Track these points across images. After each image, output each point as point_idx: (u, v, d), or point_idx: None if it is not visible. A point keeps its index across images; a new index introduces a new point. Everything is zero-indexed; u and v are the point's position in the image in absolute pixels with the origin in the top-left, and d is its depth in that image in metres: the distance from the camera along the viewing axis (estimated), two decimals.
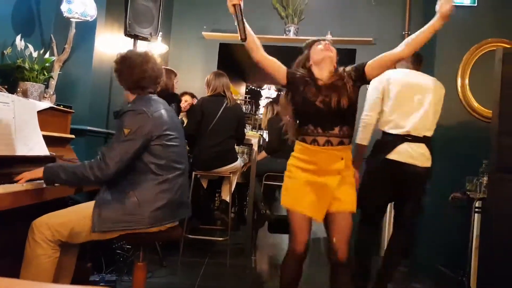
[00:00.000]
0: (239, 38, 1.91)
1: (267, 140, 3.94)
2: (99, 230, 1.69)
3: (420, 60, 2.75)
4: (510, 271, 2.39)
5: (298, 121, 2.03)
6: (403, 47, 1.90)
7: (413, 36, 1.90)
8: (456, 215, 3.24)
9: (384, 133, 2.53)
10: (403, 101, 2.48)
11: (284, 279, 2.00)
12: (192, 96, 4.02)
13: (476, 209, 2.89)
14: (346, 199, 1.94)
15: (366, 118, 2.54)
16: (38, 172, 1.69)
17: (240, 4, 1.88)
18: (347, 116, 1.94)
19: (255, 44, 1.96)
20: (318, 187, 1.90)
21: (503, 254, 2.44)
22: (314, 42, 2.09)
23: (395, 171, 2.43)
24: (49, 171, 1.70)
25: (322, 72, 2.00)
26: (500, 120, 2.53)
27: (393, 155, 2.42)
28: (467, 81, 3.88)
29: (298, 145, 1.99)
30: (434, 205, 3.65)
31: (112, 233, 1.74)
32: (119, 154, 1.69)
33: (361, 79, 1.97)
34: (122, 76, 1.89)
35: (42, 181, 1.73)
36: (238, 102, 5.39)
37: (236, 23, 1.89)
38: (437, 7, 1.85)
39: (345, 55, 4.72)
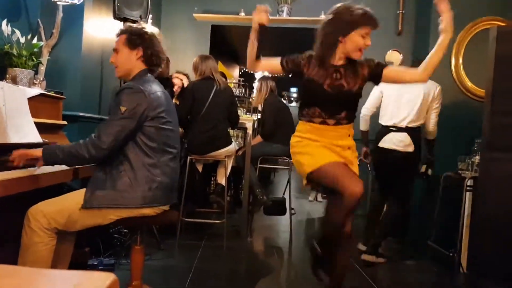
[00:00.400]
0: (255, 57, 1.96)
1: (262, 123, 3.86)
2: (89, 206, 1.70)
3: None
4: (500, 248, 2.45)
5: (302, 103, 2.03)
6: (420, 74, 1.92)
7: (426, 60, 1.92)
8: (449, 193, 3.28)
9: (380, 125, 3.12)
10: (395, 99, 3.06)
11: (332, 227, 1.90)
12: (187, 76, 3.99)
13: (468, 188, 2.93)
14: (356, 171, 1.95)
15: (364, 111, 3.20)
16: (37, 151, 1.68)
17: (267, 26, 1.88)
18: (354, 102, 1.99)
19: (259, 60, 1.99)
20: (334, 150, 1.92)
21: (493, 232, 2.49)
22: (361, 22, 1.86)
23: (383, 156, 3.05)
24: (47, 151, 1.69)
25: (342, 56, 1.95)
26: (492, 99, 2.54)
27: (381, 143, 3.05)
28: (461, 60, 3.88)
29: (304, 125, 1.99)
30: (428, 184, 3.70)
31: (101, 211, 1.72)
32: (115, 131, 1.69)
33: (375, 79, 1.99)
34: (150, 49, 1.89)
35: (36, 167, 1.72)
36: (232, 85, 5.36)
37: (254, 41, 1.92)
38: (440, 27, 1.90)
39: None
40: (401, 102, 3.03)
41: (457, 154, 3.29)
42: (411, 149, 2.96)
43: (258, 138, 3.81)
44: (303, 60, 1.96)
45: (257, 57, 1.96)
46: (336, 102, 1.92)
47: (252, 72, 2.10)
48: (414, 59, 4.27)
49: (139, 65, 1.90)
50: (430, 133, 3.18)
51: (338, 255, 1.97)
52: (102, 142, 1.68)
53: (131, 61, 1.88)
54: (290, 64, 1.97)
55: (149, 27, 3.54)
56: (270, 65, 2.04)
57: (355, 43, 1.86)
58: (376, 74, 1.96)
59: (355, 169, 1.96)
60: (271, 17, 4.63)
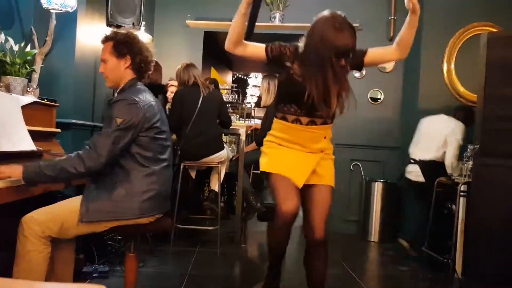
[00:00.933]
0: (242, 34, 1.79)
1: (261, 128, 3.81)
2: (87, 220, 1.68)
3: None
4: (494, 253, 2.47)
5: (279, 98, 1.93)
6: (395, 49, 1.88)
7: (398, 36, 1.89)
8: (442, 199, 3.31)
9: None
10: (418, 136, 3.60)
11: (273, 244, 1.93)
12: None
13: (462, 193, 2.95)
14: (327, 174, 1.89)
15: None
16: (17, 170, 1.60)
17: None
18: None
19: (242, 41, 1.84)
20: (300, 157, 1.85)
21: (488, 237, 2.51)
22: (330, 19, 1.74)
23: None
24: (29, 170, 1.61)
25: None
26: (484, 105, 2.57)
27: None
28: (453, 65, 3.93)
29: (277, 123, 1.90)
30: (422, 190, 3.72)
31: (100, 224, 1.72)
32: (111, 143, 1.67)
33: (357, 66, 1.91)
34: (138, 56, 1.85)
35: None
36: (224, 91, 5.37)
37: (244, 14, 1.73)
38: (406, 5, 1.82)
39: None
40: (420, 138, 3.59)
41: None
42: (421, 179, 3.44)
43: (253, 145, 3.81)
44: (289, 52, 1.83)
45: (246, 35, 1.79)
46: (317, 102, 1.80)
47: (230, 52, 1.87)
48: (407, 65, 4.33)
49: (128, 74, 1.88)
50: (447, 167, 3.32)
51: (313, 264, 1.94)
52: (99, 155, 1.65)
53: (120, 71, 1.87)
54: (275, 52, 1.82)
55: (142, 34, 3.55)
56: (254, 50, 1.84)
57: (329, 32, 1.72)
58: (356, 64, 1.88)
59: (327, 174, 1.89)
60: (263, 24, 4.65)
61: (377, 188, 4.13)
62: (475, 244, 2.61)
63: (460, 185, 2.92)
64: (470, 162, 2.88)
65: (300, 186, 1.83)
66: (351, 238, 4.19)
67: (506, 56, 2.50)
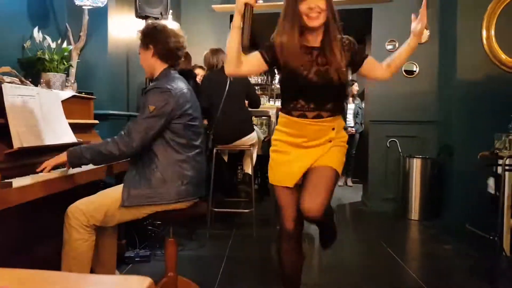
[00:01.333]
0: (240, 51, 1.60)
1: None
2: (128, 205, 1.78)
3: None
4: None
5: (284, 97, 1.81)
6: (385, 70, 1.79)
7: (391, 59, 1.79)
8: (486, 174, 3.16)
9: None
10: None
11: (283, 264, 1.83)
12: (203, 68, 4.03)
13: (507, 167, 2.80)
14: (328, 158, 1.74)
15: None
16: (62, 157, 1.74)
17: (252, 6, 1.55)
18: (342, 91, 1.78)
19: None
20: (305, 155, 1.75)
21: None
22: None
23: None
24: (72, 154, 1.74)
25: (316, 36, 1.69)
26: None
27: None
28: (492, 32, 3.70)
29: (282, 118, 1.79)
30: (463, 165, 3.59)
31: (140, 209, 1.81)
32: (144, 129, 1.75)
33: (353, 68, 1.80)
34: (159, 44, 1.92)
35: (66, 168, 1.80)
36: None
37: (241, 26, 1.54)
38: (412, 27, 1.74)
39: (361, 15, 4.61)
40: None
41: (493, 132, 3.15)
42: None
43: None
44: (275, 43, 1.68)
45: (243, 48, 1.60)
46: (322, 91, 1.68)
47: (234, 75, 1.84)
48: (443, 34, 4.12)
49: (158, 63, 1.95)
50: None
51: (322, 232, 1.95)
52: (131, 139, 1.74)
53: (149, 60, 1.95)
54: (269, 53, 1.68)
55: (170, 23, 3.60)
56: (253, 63, 1.69)
57: (300, 9, 1.63)
58: (354, 65, 1.77)
59: (328, 158, 1.73)
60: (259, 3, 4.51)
61: (416, 164, 4.02)
62: None
63: (505, 158, 2.78)
64: None
65: (292, 185, 1.76)
66: (389, 217, 4.14)
67: None
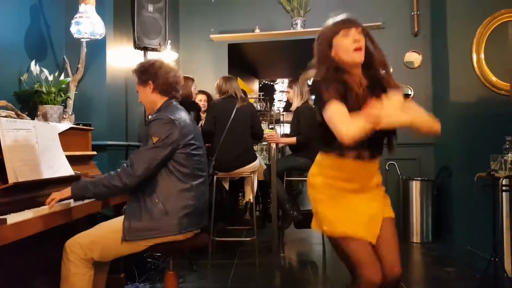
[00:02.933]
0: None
1: (296, 130, 3.60)
2: (129, 239, 1.75)
3: None
4: None
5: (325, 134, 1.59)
6: None
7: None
8: (484, 195, 3.16)
9: None
10: None
11: None
12: (207, 94, 4.07)
13: (504, 188, 2.81)
14: (387, 206, 1.68)
15: None
16: (67, 191, 1.74)
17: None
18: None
19: None
20: (365, 204, 1.62)
21: None
22: (337, 29, 1.61)
23: None
24: (76, 188, 1.75)
25: (357, 73, 1.61)
26: None
27: None
28: (482, 55, 3.78)
29: (329, 160, 1.62)
30: (461, 186, 3.59)
31: (141, 242, 1.78)
32: (147, 160, 1.75)
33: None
34: (159, 79, 1.95)
35: (70, 200, 1.79)
36: (252, 100, 5.41)
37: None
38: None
39: None
40: None
41: (489, 152, 3.17)
42: None
43: (292, 139, 3.61)
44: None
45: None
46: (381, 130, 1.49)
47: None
48: (435, 59, 4.21)
49: (158, 97, 1.97)
50: None
51: None
52: (135, 171, 1.73)
53: (149, 96, 1.98)
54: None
55: (168, 53, 3.66)
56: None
57: (341, 47, 1.59)
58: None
59: (387, 206, 1.67)
60: (285, 31, 4.63)
61: (415, 186, 4.02)
62: None
63: (501, 179, 2.79)
64: (510, 155, 2.75)
65: (374, 241, 1.60)
66: None
67: None
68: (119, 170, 1.77)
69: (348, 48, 1.58)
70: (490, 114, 3.60)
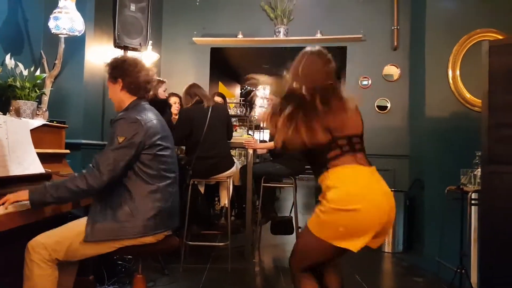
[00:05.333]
0: None
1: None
2: (91, 240, 1.70)
3: None
4: (510, 263, 2.41)
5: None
6: None
7: None
8: (454, 208, 3.26)
9: None
10: None
11: None
12: (180, 97, 4.02)
13: (473, 201, 2.90)
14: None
15: None
16: (24, 194, 1.64)
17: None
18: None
19: None
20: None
21: (502, 246, 2.45)
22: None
23: None
24: (35, 193, 1.65)
25: None
26: (489, 112, 2.54)
27: None
28: (458, 72, 3.91)
29: (347, 169, 1.62)
30: (433, 199, 3.69)
31: (104, 244, 1.74)
32: (113, 161, 1.70)
33: None
34: (129, 77, 1.90)
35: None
36: (232, 105, 5.41)
37: None
38: None
39: (336, 53, 4.79)
40: None
41: (460, 167, 3.27)
42: None
43: (270, 144, 3.61)
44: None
45: None
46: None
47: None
48: (412, 73, 4.32)
49: (126, 96, 1.93)
50: None
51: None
52: (101, 173, 1.68)
53: (117, 94, 1.93)
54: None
55: (149, 53, 3.63)
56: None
57: None
58: None
59: None
60: (268, 38, 4.69)
61: None
62: (489, 253, 2.55)
63: (470, 193, 2.88)
64: (479, 169, 2.84)
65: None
66: (363, 250, 4.13)
67: (508, 63, 2.48)
68: (84, 171, 1.71)
69: None
70: (463, 130, 3.71)
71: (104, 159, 1.70)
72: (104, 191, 1.77)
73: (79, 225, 1.76)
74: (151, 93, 2.03)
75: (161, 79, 3.49)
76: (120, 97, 1.93)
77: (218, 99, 3.98)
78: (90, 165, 1.74)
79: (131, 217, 1.74)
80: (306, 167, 4.05)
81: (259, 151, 3.78)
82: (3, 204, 1.61)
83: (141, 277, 1.90)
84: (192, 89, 3.37)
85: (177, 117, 3.71)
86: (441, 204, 3.32)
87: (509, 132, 2.46)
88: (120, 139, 1.72)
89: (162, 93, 3.49)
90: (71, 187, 1.67)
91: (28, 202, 1.66)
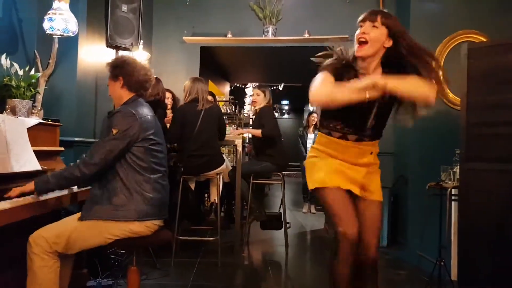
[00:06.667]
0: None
1: (261, 125, 3.74)
2: (86, 219, 1.83)
3: None
4: (487, 257, 2.53)
5: (325, 115, 1.80)
6: None
7: None
8: (434, 203, 3.39)
9: None
10: None
11: (341, 278, 1.67)
12: (172, 92, 4.10)
13: (453, 197, 3.03)
14: (375, 189, 1.82)
15: None
16: (29, 185, 1.79)
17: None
18: (385, 117, 1.80)
19: None
20: (348, 167, 1.75)
21: (479, 241, 2.58)
22: (358, 23, 1.73)
23: None
24: (39, 181, 1.81)
25: (367, 65, 1.71)
26: (467, 112, 2.68)
27: None
28: (440, 72, 4.02)
29: (322, 137, 1.82)
30: (415, 194, 3.82)
31: (98, 226, 1.82)
32: (105, 151, 1.82)
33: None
34: (129, 76, 2.01)
35: (34, 195, 1.82)
36: (222, 103, 5.50)
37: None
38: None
39: (319, 52, 4.92)
40: None
41: (441, 163, 3.40)
42: None
43: (258, 131, 3.73)
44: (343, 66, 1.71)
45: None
46: (364, 116, 1.70)
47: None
48: None
49: (126, 93, 2.04)
50: None
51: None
52: (93, 161, 1.81)
53: (117, 91, 2.05)
54: (336, 74, 1.69)
55: (140, 53, 3.69)
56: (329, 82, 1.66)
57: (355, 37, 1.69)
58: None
59: (376, 189, 1.80)
60: (256, 38, 4.75)
61: None
62: (468, 247, 2.67)
63: (449, 189, 3.01)
64: (458, 166, 2.98)
65: (359, 192, 1.76)
66: None
67: (485, 65, 2.62)
68: (77, 161, 1.85)
69: (355, 41, 1.66)
70: (445, 128, 3.84)
71: (98, 148, 1.84)
72: (100, 179, 1.88)
73: (77, 218, 1.87)
74: (149, 91, 2.15)
75: (158, 78, 3.56)
76: (120, 94, 2.04)
77: (208, 97, 4.07)
78: (84, 155, 1.86)
79: (126, 203, 1.85)
80: (289, 163, 4.18)
81: (247, 149, 3.89)
82: (9, 198, 1.72)
83: (135, 269, 1.97)
84: (196, 84, 3.46)
85: (170, 111, 3.82)
86: (423, 199, 3.46)
87: (486, 131, 2.61)
88: (115, 131, 1.84)
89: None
90: (66, 175, 1.83)
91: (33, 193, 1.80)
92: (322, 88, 1.61)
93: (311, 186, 1.79)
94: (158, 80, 3.41)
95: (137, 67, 2.04)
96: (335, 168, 1.75)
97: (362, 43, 1.64)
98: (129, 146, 1.88)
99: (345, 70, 1.70)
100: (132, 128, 1.86)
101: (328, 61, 1.75)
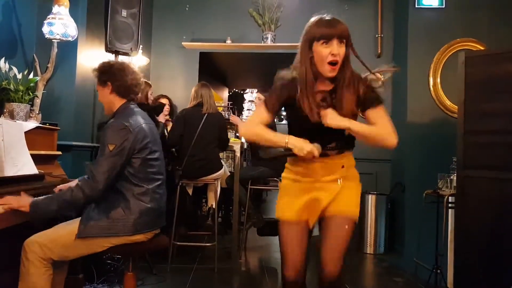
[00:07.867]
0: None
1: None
2: (84, 236, 1.78)
3: None
4: (483, 265, 2.55)
5: (291, 132, 1.71)
6: None
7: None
8: (431, 210, 3.39)
9: None
10: None
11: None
12: (169, 98, 4.12)
13: (450, 205, 3.04)
14: (346, 204, 1.65)
15: None
16: (25, 205, 1.70)
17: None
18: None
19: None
20: (312, 188, 1.67)
21: (476, 248, 2.59)
22: (318, 33, 1.59)
23: None
24: (36, 209, 1.71)
25: (326, 86, 1.65)
26: (465, 119, 2.70)
27: None
28: (438, 80, 4.07)
29: (290, 158, 1.75)
30: (413, 202, 3.83)
31: (96, 240, 1.81)
32: (107, 169, 1.77)
33: (363, 107, 1.68)
34: (117, 81, 1.97)
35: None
36: (221, 108, 5.49)
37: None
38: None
39: None
40: None
41: (438, 171, 3.42)
42: None
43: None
44: (289, 89, 1.64)
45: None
46: (323, 131, 1.57)
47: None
48: (395, 80, 4.48)
49: (116, 99, 2.00)
50: None
51: None
52: (97, 182, 1.76)
53: (107, 97, 2.01)
54: (275, 106, 1.67)
55: (139, 58, 3.70)
56: (264, 122, 1.66)
57: (318, 54, 1.58)
58: (364, 104, 1.66)
59: (344, 203, 1.65)
60: (256, 44, 4.77)
61: (371, 200, 4.22)
62: (464, 255, 2.68)
63: (446, 197, 3.02)
64: (456, 174, 2.99)
65: (310, 223, 1.69)
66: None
67: (482, 74, 2.64)
68: (80, 183, 1.78)
69: (323, 59, 1.57)
70: (442, 135, 3.86)
71: (99, 168, 1.77)
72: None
73: (73, 224, 1.84)
74: (139, 95, 2.11)
75: (148, 82, 3.58)
76: (110, 100, 2.00)
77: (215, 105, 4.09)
78: (85, 176, 1.81)
79: (123, 216, 1.82)
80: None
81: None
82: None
83: (131, 274, 1.97)
84: (202, 90, 3.48)
85: (167, 117, 3.83)
86: (420, 207, 3.46)
87: (483, 139, 2.62)
88: (111, 147, 1.79)
89: (150, 96, 3.58)
90: (69, 199, 1.75)
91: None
92: (252, 127, 1.67)
93: (276, 214, 1.77)
94: (146, 84, 3.40)
95: (125, 71, 2.00)
96: (298, 193, 1.69)
97: (335, 64, 1.58)
98: (128, 159, 1.85)
99: (292, 86, 1.65)
100: (127, 141, 1.82)
101: (278, 79, 1.71)
